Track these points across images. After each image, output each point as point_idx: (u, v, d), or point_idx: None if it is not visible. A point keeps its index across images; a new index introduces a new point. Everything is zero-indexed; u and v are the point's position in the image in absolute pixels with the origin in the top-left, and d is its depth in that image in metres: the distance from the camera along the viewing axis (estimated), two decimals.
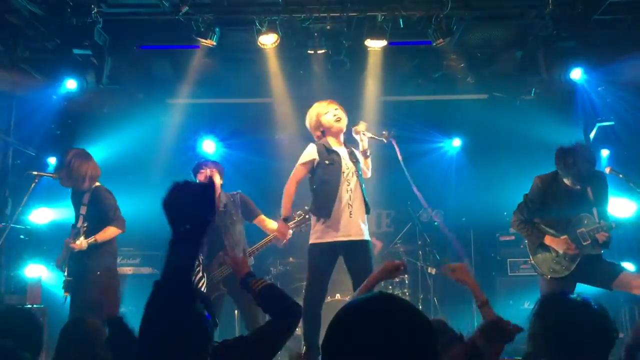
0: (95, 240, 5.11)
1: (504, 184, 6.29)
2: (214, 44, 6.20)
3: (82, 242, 5.06)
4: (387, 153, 5.41)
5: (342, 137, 5.12)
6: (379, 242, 7.79)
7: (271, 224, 5.61)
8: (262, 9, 6.07)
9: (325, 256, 4.86)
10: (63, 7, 5.99)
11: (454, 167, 8.56)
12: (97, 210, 5.21)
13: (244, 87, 7.66)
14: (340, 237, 4.82)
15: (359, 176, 5.00)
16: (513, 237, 7.28)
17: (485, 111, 7.77)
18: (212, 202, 1.76)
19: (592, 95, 6.77)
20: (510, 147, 7.76)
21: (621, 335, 6.31)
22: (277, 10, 6.04)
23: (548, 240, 4.84)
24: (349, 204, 4.88)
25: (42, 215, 6.87)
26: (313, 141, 5.13)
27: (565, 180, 4.80)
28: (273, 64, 6.91)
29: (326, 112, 5.08)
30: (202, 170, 5.64)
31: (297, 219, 5.42)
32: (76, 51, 6.31)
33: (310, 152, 5.02)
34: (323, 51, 6.61)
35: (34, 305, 5.96)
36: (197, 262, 5.21)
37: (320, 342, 4.80)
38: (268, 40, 6.24)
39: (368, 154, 5.09)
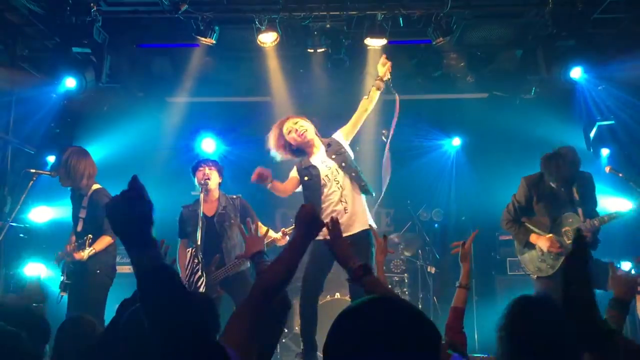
0: (94, 250, 5.13)
1: (504, 183, 6.28)
2: (214, 42, 6.19)
3: (83, 254, 5.08)
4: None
5: (316, 141, 5.19)
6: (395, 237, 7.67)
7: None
8: (261, 7, 6.06)
9: (323, 253, 4.86)
10: (62, 5, 5.98)
11: (454, 166, 8.56)
12: (94, 217, 5.22)
13: (244, 85, 7.66)
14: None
15: (344, 167, 5.01)
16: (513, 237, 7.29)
17: (485, 110, 7.76)
18: (136, 198, 1.76)
19: (592, 94, 6.76)
20: (510, 146, 7.76)
21: None
22: (277, 9, 6.04)
23: (533, 238, 4.99)
24: (341, 200, 4.94)
25: (41, 214, 6.87)
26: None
27: (551, 182, 4.94)
28: (273, 63, 6.90)
29: (289, 132, 5.13)
30: (201, 169, 5.63)
31: (294, 224, 5.40)
32: (75, 49, 6.30)
33: (292, 171, 5.30)
34: (323, 50, 6.60)
35: (33, 304, 5.95)
36: (196, 261, 5.24)
37: (317, 338, 4.85)
38: (268, 39, 6.23)
39: (382, 85, 5.14)
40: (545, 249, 4.92)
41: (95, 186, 5.34)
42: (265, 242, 5.43)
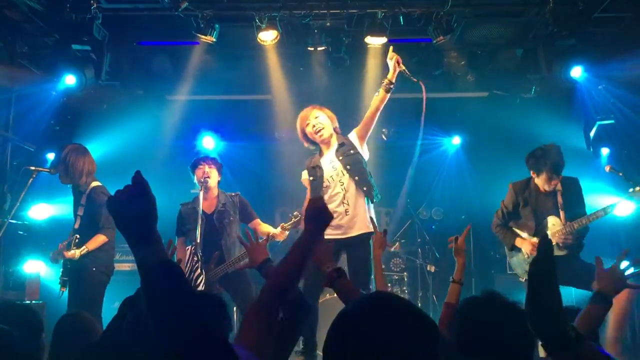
0: (87, 249, 5.11)
1: (504, 182, 6.26)
2: (214, 40, 6.18)
3: (74, 253, 5.07)
4: (386, 153, 5.41)
5: (333, 139, 5.15)
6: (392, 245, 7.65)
7: (266, 228, 5.61)
8: (261, 5, 6.05)
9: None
10: (62, 2, 5.97)
11: (454, 164, 8.56)
12: (91, 214, 5.21)
13: (244, 83, 7.65)
14: (341, 235, 4.88)
15: (349, 169, 4.98)
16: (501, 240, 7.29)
17: (485, 109, 7.76)
18: (140, 194, 1.74)
19: (592, 93, 6.76)
20: (510, 145, 7.74)
21: None
22: (277, 7, 6.03)
23: (518, 242, 5.17)
24: (343, 202, 4.93)
25: (41, 211, 6.86)
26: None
27: (538, 183, 5.10)
28: (273, 61, 6.89)
29: (307, 125, 5.13)
30: (200, 167, 5.63)
31: (293, 220, 5.43)
32: (75, 47, 6.30)
33: (303, 173, 5.30)
34: (323, 48, 6.59)
35: (33, 301, 5.96)
36: (196, 258, 5.24)
37: (318, 337, 4.85)
38: (268, 37, 6.22)
39: (391, 87, 5.02)
40: (528, 253, 5.08)
41: (94, 183, 5.32)
42: (265, 238, 5.46)
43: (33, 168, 5.51)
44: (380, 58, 6.79)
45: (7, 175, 6.55)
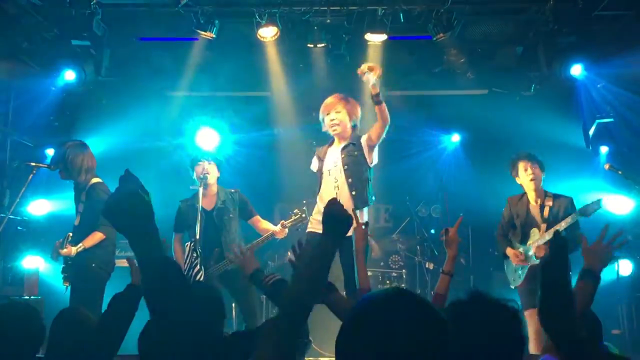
0: (84, 247, 5.06)
1: (503, 180, 6.27)
2: (214, 36, 6.18)
3: (70, 250, 5.04)
4: (385, 148, 5.39)
5: (347, 134, 5.09)
6: (376, 245, 7.67)
7: (266, 225, 5.60)
8: (261, 1, 6.05)
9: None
10: None
11: (453, 162, 8.55)
12: (90, 211, 5.18)
13: (243, 80, 7.64)
14: None
15: (346, 170, 4.96)
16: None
17: (484, 107, 7.75)
18: (132, 193, 1.76)
19: (592, 91, 6.76)
20: (509, 143, 7.73)
21: (618, 332, 6.36)
22: (277, 3, 6.02)
23: (508, 251, 5.53)
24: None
25: (40, 207, 6.86)
26: (314, 137, 5.20)
27: (529, 195, 5.50)
28: (272, 57, 6.87)
29: (327, 114, 5.08)
30: (200, 163, 5.62)
31: (293, 217, 5.42)
32: (75, 42, 6.30)
33: (312, 161, 5.30)
34: (323, 45, 6.58)
35: (32, 297, 5.97)
36: (195, 255, 5.24)
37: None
38: (268, 33, 6.21)
39: (376, 99, 4.85)
40: (513, 261, 5.45)
41: (94, 180, 5.31)
42: (265, 235, 5.47)
43: (33, 164, 5.50)
44: (380, 55, 6.79)
45: (7, 171, 6.55)
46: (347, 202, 4.84)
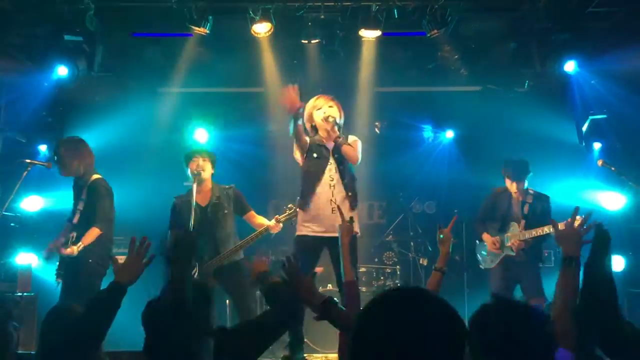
0: (83, 245, 5.07)
1: (496, 176, 6.30)
2: (207, 32, 6.15)
3: (72, 249, 5.05)
4: (378, 143, 5.40)
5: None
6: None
7: (260, 220, 5.59)
8: None
9: (309, 249, 4.86)
10: None
11: (447, 158, 8.56)
12: (89, 208, 5.20)
13: (237, 76, 7.61)
14: (323, 233, 4.87)
15: (340, 171, 4.97)
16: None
17: (478, 103, 7.76)
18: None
19: (585, 88, 6.78)
20: (503, 140, 7.76)
21: None
22: None
23: (484, 236, 6.02)
24: (331, 200, 4.89)
25: (33, 203, 6.83)
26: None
27: (511, 190, 5.93)
28: (266, 53, 6.85)
29: (319, 109, 5.06)
30: (194, 159, 5.60)
31: (287, 212, 5.42)
32: (67, 38, 6.25)
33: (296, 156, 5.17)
34: (317, 41, 6.57)
35: (25, 294, 5.94)
36: None
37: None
38: (261, 29, 6.20)
39: (337, 140, 4.94)
40: (489, 248, 5.96)
41: (95, 176, 5.31)
42: (259, 230, 5.47)
43: (28, 161, 5.48)
44: (374, 51, 6.79)
45: None
46: (343, 203, 4.86)
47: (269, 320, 2.68)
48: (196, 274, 5.27)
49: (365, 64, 7.03)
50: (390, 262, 7.61)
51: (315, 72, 7.06)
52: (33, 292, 6.07)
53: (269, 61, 6.96)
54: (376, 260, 7.67)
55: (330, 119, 4.94)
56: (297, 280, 2.69)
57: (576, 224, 2.77)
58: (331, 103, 5.06)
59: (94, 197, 5.18)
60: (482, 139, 8.01)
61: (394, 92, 8.05)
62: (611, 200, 6.63)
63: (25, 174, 5.47)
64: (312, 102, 5.11)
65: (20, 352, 3.29)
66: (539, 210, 5.83)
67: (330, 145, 5.03)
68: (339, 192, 4.93)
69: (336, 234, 4.74)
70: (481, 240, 6.10)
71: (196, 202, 5.45)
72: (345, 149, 4.93)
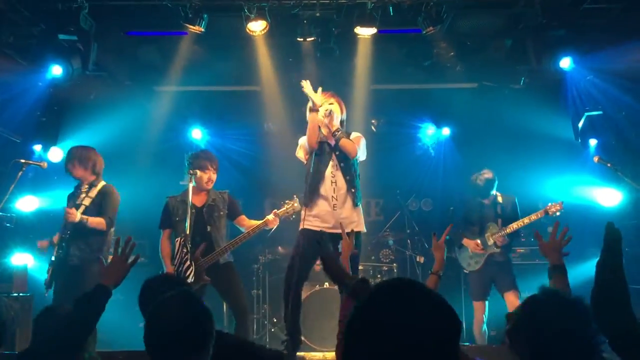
0: (87, 220, 5.18)
1: (493, 173, 6.32)
2: (202, 30, 6.12)
3: (76, 214, 5.14)
4: (374, 141, 5.40)
5: (335, 126, 5.10)
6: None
7: (251, 222, 5.59)
8: None
9: (312, 243, 4.87)
10: None
11: (443, 155, 8.57)
12: (98, 205, 5.33)
13: (232, 74, 7.61)
14: (327, 229, 4.90)
15: (342, 168, 5.00)
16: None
17: (474, 100, 7.78)
18: None
19: (581, 84, 6.79)
20: (499, 136, 7.79)
21: None
22: None
23: (465, 241, 6.34)
24: (332, 196, 4.94)
25: (28, 204, 6.82)
26: (303, 131, 5.16)
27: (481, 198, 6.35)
28: (262, 51, 6.84)
29: (320, 105, 5.08)
30: (208, 171, 5.53)
31: (285, 207, 5.44)
32: (62, 37, 6.20)
33: (304, 138, 5.19)
34: (312, 39, 6.55)
35: (20, 294, 5.93)
36: (185, 250, 5.22)
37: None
38: (257, 27, 6.17)
39: (336, 134, 5.02)
40: (471, 250, 6.27)
41: (104, 182, 5.49)
42: (258, 224, 5.47)
43: (23, 161, 5.49)
44: (370, 49, 6.78)
45: None
46: (345, 200, 4.91)
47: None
48: (192, 273, 5.25)
49: (361, 62, 7.03)
50: (387, 260, 7.62)
51: (310, 70, 7.05)
52: (29, 292, 6.05)
53: (264, 59, 6.95)
54: (373, 258, 7.68)
55: (326, 112, 5.01)
56: (329, 261, 2.89)
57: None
58: (332, 100, 5.13)
59: (108, 199, 5.35)
60: (478, 136, 8.03)
61: (390, 90, 8.05)
62: (607, 197, 6.65)
63: (20, 174, 5.46)
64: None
65: (6, 352, 3.30)
66: (509, 208, 6.29)
67: (332, 142, 5.06)
68: (341, 189, 4.98)
69: (338, 230, 4.80)
70: (461, 245, 6.40)
71: (192, 202, 5.43)
72: (343, 142, 4.99)
